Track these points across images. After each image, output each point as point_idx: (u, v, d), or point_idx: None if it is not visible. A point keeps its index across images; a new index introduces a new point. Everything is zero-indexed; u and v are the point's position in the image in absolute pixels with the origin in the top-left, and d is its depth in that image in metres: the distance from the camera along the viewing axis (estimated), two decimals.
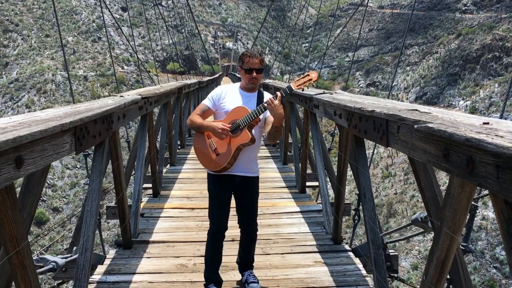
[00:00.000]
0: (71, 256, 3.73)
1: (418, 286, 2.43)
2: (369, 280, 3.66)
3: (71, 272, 3.84)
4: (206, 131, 3.37)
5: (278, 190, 6.75)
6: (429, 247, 2.35)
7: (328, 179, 6.20)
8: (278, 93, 3.17)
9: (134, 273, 3.86)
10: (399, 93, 56.32)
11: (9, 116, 2.42)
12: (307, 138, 6.27)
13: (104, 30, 58.29)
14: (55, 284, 4.42)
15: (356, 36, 67.37)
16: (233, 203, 3.52)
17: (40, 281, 2.44)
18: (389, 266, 4.09)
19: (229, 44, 75.47)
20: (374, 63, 65.00)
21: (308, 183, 6.66)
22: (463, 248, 3.05)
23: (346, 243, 4.63)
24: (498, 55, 49.55)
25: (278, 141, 10.76)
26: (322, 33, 75.61)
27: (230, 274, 3.78)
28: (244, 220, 3.54)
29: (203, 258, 3.58)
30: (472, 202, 3.14)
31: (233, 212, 3.54)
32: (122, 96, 4.36)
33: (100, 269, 3.93)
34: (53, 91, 48.69)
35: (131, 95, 4.58)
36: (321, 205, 5.34)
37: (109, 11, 11.83)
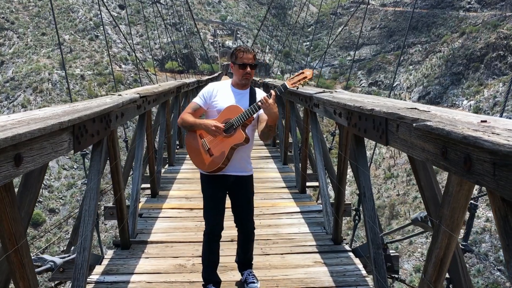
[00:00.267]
0: (69, 256, 3.77)
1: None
2: (369, 280, 3.70)
3: (69, 273, 3.88)
4: (198, 130, 3.36)
5: (278, 190, 6.80)
6: None
7: (328, 179, 6.24)
8: (273, 92, 3.16)
9: (133, 273, 3.90)
10: (402, 92, 56.36)
11: (7, 115, 2.46)
12: (307, 137, 6.31)
13: (102, 28, 58.33)
14: (53, 284, 4.46)
15: (358, 35, 67.39)
16: (228, 203, 3.53)
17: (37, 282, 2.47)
18: (390, 267, 4.13)
19: (229, 42, 75.51)
20: (376, 62, 65.04)
21: (308, 183, 6.70)
22: (463, 247, 3.09)
23: (347, 244, 4.67)
24: (503, 54, 49.59)
25: (271, 140, 10.86)
26: (323, 31, 75.64)
27: (229, 274, 3.82)
28: (241, 219, 3.56)
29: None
30: (472, 201, 3.19)
31: (230, 211, 3.57)
32: (120, 95, 4.41)
33: (98, 269, 3.98)
34: (50, 90, 48.72)
35: (129, 94, 4.62)
36: (321, 205, 5.38)
37: (107, 8, 11.88)
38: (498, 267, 27.24)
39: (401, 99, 50.01)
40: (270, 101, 3.11)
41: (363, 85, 62.64)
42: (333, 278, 3.75)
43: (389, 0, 75.11)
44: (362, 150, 3.54)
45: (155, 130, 7.69)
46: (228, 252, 4.04)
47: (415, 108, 2.44)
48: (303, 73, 3.25)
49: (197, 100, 3.44)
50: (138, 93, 4.77)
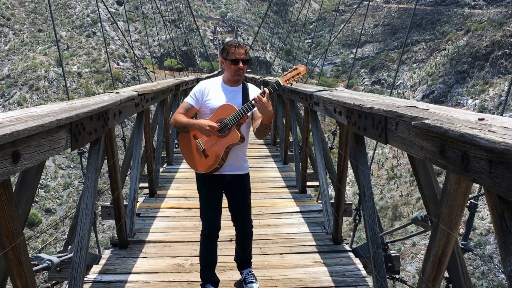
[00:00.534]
0: (66, 254, 3.81)
1: None
2: (369, 280, 3.74)
3: (65, 272, 3.93)
4: (192, 130, 3.34)
5: (278, 190, 6.84)
6: None
7: (329, 179, 6.28)
8: (266, 90, 3.14)
9: (130, 273, 3.94)
10: (405, 91, 56.38)
11: (4, 112, 2.50)
12: (308, 136, 6.35)
13: (99, 25, 58.38)
14: (49, 284, 4.51)
15: (360, 32, 67.41)
16: (225, 202, 3.54)
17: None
18: (390, 267, 4.17)
19: (229, 39, 75.51)
20: (379, 60, 65.06)
21: (308, 183, 6.74)
22: (463, 247, 3.13)
23: (347, 244, 4.71)
24: (509, 52, 49.57)
25: (271, 139, 10.90)
26: (325, 28, 75.65)
27: (227, 274, 3.87)
28: (238, 218, 3.57)
29: None
30: (472, 200, 3.23)
31: (228, 211, 3.61)
32: (118, 92, 4.44)
33: (96, 268, 4.02)
34: (46, 88, 48.77)
35: (127, 91, 4.66)
36: (321, 205, 5.42)
37: (104, 5, 11.91)
38: (502, 270, 27.26)
39: (404, 98, 50.00)
40: (264, 99, 3.09)
41: (365, 83, 62.65)
42: (332, 278, 3.80)
43: None
44: (362, 149, 3.57)
45: (153, 129, 7.73)
46: (226, 252, 4.09)
47: (414, 106, 2.48)
48: (296, 69, 3.23)
49: (189, 100, 3.42)
50: (136, 91, 4.81)
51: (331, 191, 6.20)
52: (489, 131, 1.64)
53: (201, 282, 3.56)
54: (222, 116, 3.27)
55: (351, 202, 5.74)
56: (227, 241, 4.36)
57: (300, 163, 6.77)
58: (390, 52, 65.49)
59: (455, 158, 1.83)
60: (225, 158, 3.30)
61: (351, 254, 4.33)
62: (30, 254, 3.77)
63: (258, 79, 15.69)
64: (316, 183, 6.69)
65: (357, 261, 4.15)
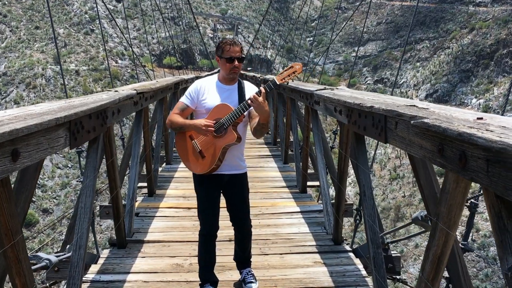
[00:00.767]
0: (65, 254, 3.85)
1: None
2: (369, 280, 3.78)
3: (63, 272, 3.97)
4: (188, 130, 3.35)
5: (278, 189, 6.88)
6: None
7: (329, 179, 6.31)
8: (262, 89, 3.14)
9: (129, 273, 3.98)
10: (409, 90, 56.39)
11: (3, 110, 2.55)
12: (308, 136, 6.38)
13: (97, 22, 58.43)
14: (47, 284, 4.55)
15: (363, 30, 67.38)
16: (223, 202, 3.56)
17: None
18: (391, 268, 4.21)
19: (229, 37, 75.56)
20: (382, 58, 65.06)
21: (309, 183, 6.78)
22: (463, 246, 3.17)
23: (347, 244, 4.75)
24: None
25: (272, 138, 10.93)
26: (327, 26, 75.67)
27: (227, 274, 3.91)
28: (237, 218, 3.59)
29: None
30: (473, 200, 3.27)
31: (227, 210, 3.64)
32: (116, 91, 4.49)
33: (94, 268, 4.06)
34: (43, 86, 48.84)
35: (126, 90, 4.70)
36: (322, 205, 5.45)
37: (103, 1, 11.95)
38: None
39: (407, 97, 50.08)
40: (260, 99, 3.09)
41: (368, 82, 62.68)
42: (332, 278, 3.83)
43: None
44: (362, 148, 3.61)
45: (152, 128, 7.77)
46: (226, 252, 4.13)
47: (414, 106, 2.52)
48: (292, 67, 3.23)
49: (184, 99, 3.43)
50: (135, 89, 4.84)
51: (332, 191, 6.24)
52: (486, 130, 1.68)
53: (200, 282, 3.60)
54: (218, 116, 3.27)
55: (352, 202, 5.77)
56: (226, 241, 4.40)
57: (301, 163, 6.80)
58: (393, 51, 65.48)
59: (454, 157, 1.87)
60: (222, 158, 3.32)
61: (351, 254, 4.36)
62: (29, 253, 3.81)
63: (259, 77, 15.72)
64: (317, 183, 6.72)
65: (357, 261, 4.19)
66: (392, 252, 4.26)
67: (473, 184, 1.99)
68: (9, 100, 47.12)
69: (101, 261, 4.23)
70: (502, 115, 3.11)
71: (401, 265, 4.50)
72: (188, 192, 6.58)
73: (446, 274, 2.95)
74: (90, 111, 3.09)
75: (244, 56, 3.36)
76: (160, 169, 7.92)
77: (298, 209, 5.82)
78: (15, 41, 57.14)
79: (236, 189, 3.50)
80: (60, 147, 2.64)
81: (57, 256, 3.73)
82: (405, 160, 41.70)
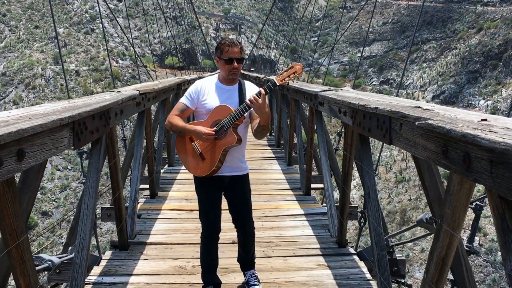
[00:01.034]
0: (67, 255, 3.90)
1: None
2: (374, 284, 3.81)
3: (65, 274, 4.02)
4: (188, 135, 3.38)
5: (282, 192, 6.92)
6: None
7: (334, 181, 6.35)
8: (262, 90, 3.14)
9: (131, 275, 4.03)
10: (415, 91, 56.37)
11: (7, 111, 2.60)
12: (313, 137, 6.42)
13: (98, 22, 58.62)
14: (49, 286, 4.59)
15: (368, 30, 67.38)
16: (225, 205, 3.58)
17: None
18: (396, 271, 4.24)
19: (232, 37, 75.61)
20: (388, 59, 65.07)
21: (313, 185, 6.81)
22: (468, 249, 3.20)
23: (352, 247, 4.78)
24: None
25: (275, 140, 10.97)
26: (332, 26, 75.72)
27: (230, 276, 3.95)
28: (239, 220, 3.62)
29: None
30: (478, 202, 3.30)
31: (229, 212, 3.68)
32: (119, 91, 4.53)
33: (96, 270, 4.11)
34: (43, 87, 49.00)
35: (128, 90, 4.75)
36: (326, 207, 5.49)
37: (104, 0, 12.03)
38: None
39: (414, 98, 49.99)
40: (260, 100, 3.09)
41: (374, 83, 62.69)
42: (336, 281, 3.87)
43: None
44: (367, 150, 3.65)
45: (154, 129, 7.81)
46: (229, 254, 4.18)
47: (419, 107, 2.56)
48: (292, 67, 3.23)
49: (184, 100, 3.43)
50: (137, 90, 4.89)
51: (336, 194, 6.27)
52: (490, 131, 1.72)
53: (203, 285, 3.64)
54: (218, 117, 3.29)
55: (356, 205, 5.81)
56: (230, 243, 4.45)
57: (305, 165, 6.84)
58: (399, 51, 65.47)
59: (458, 159, 1.91)
60: (223, 160, 3.34)
61: (355, 257, 4.39)
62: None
63: (262, 78, 15.77)
64: (321, 185, 6.76)
65: (362, 264, 4.22)
66: (397, 255, 4.30)
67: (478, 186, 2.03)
68: (8, 100, 47.29)
69: (103, 263, 4.28)
70: (508, 116, 3.15)
71: (407, 270, 4.53)
72: (190, 194, 6.62)
73: (450, 276, 2.98)
74: (94, 112, 3.14)
75: (243, 56, 3.36)
76: (162, 170, 7.97)
77: (302, 212, 5.86)
78: (14, 40, 57.38)
79: (237, 191, 3.53)
80: (64, 147, 2.70)
81: (59, 258, 3.78)
82: (411, 162, 41.66)
